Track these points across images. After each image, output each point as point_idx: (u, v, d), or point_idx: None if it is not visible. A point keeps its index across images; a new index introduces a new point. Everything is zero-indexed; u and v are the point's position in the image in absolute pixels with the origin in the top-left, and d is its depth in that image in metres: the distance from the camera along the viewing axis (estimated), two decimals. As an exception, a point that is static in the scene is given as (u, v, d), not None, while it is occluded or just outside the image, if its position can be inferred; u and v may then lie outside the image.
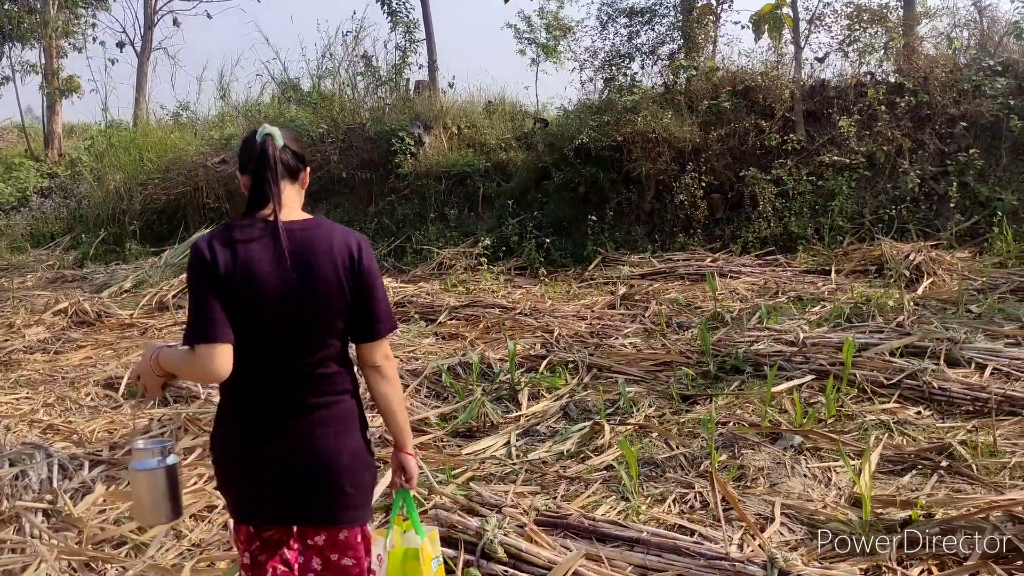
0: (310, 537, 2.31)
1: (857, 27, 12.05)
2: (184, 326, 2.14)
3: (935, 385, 5.12)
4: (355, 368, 2.37)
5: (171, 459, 2.29)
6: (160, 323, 9.22)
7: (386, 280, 10.52)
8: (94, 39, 24.37)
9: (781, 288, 8.89)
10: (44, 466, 4.68)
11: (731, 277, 9.58)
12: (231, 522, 2.42)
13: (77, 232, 16.23)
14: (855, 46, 12.18)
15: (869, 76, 12.06)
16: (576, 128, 12.00)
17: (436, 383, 6.34)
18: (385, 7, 16.67)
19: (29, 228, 17.33)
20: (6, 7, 21.41)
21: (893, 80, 11.71)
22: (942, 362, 5.56)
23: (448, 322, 8.59)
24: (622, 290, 9.13)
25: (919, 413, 4.98)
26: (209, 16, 24.89)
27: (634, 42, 13.53)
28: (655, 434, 4.90)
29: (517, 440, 5.05)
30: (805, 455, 4.49)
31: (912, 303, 7.30)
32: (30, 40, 22.15)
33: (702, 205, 11.18)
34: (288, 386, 2.21)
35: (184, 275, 10.31)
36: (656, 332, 7.42)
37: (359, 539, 2.33)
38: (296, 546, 2.38)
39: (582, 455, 4.74)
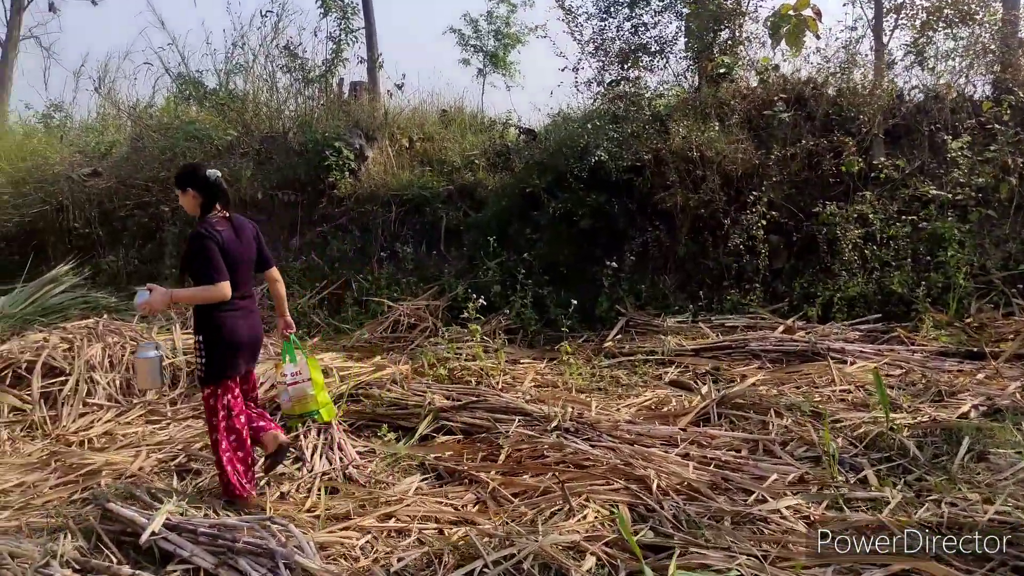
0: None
1: (935, 28, 9.34)
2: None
3: None
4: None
5: (161, 349, 4.53)
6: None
7: (323, 356, 7.11)
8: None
9: (932, 382, 5.92)
10: None
11: (835, 359, 6.58)
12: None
13: None
14: (933, 49, 9.46)
15: (951, 88, 9.32)
16: (591, 142, 8.83)
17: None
18: (316, -12, 13.25)
19: None
20: None
21: (990, 92, 9.05)
22: None
23: (436, 438, 5.33)
24: (714, 390, 5.97)
25: None
26: (94, 2, 20.79)
27: (641, 37, 10.52)
28: None
29: None
30: None
31: None
32: None
33: (763, 251, 8.20)
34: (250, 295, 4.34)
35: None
36: (826, 477, 4.30)
37: None
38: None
39: None
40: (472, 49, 21.05)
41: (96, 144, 14.05)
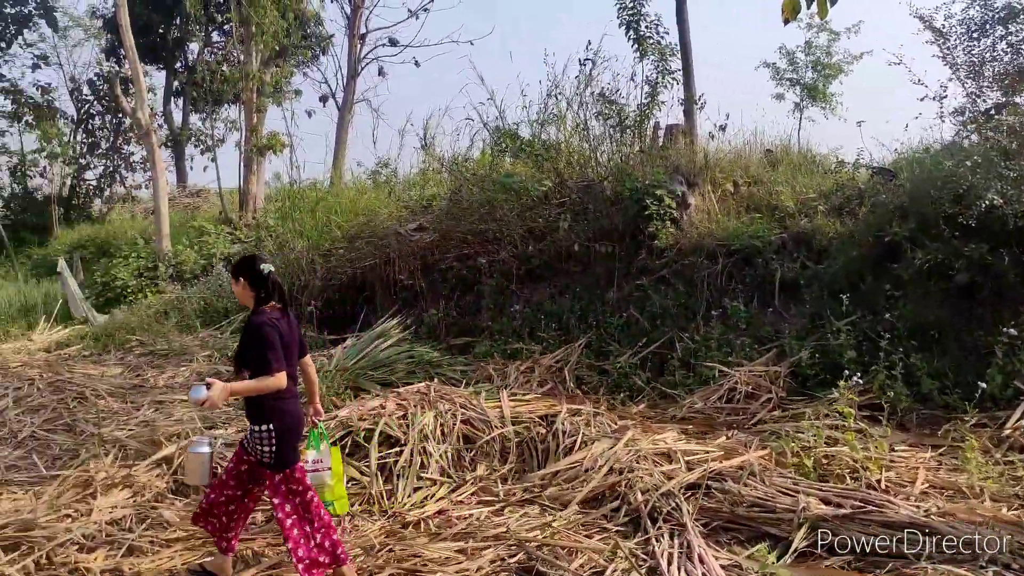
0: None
1: None
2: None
3: None
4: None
5: (213, 447, 4.65)
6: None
7: (668, 436, 6.33)
8: (296, 92, 22.36)
9: None
10: None
11: None
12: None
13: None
14: None
15: None
16: (978, 182, 7.31)
17: None
18: (631, 32, 12.82)
19: (203, 302, 14.67)
20: (206, 58, 19.70)
21: None
22: None
23: (817, 556, 4.29)
24: None
25: None
26: (417, 64, 22.27)
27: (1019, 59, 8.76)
28: None
29: None
30: None
31: None
32: (229, 95, 20.35)
33: None
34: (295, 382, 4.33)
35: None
36: None
37: None
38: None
39: None
40: (788, 83, 19.74)
41: (417, 197, 14.66)
